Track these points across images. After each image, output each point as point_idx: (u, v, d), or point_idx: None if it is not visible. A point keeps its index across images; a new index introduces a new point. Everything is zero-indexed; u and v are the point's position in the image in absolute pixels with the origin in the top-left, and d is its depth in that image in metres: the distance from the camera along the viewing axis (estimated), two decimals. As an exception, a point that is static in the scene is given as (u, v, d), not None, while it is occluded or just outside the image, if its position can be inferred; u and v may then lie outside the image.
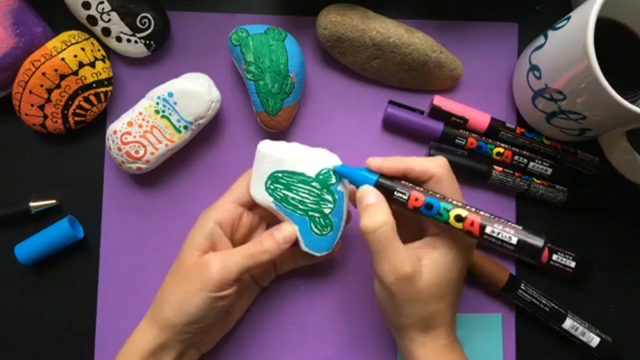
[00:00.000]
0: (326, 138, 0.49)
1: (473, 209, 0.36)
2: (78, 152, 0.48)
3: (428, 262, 0.37)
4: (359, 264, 0.48)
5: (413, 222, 0.41)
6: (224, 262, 0.39)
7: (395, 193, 0.38)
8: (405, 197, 0.37)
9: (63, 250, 0.47)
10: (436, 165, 0.38)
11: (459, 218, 0.36)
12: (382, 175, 0.39)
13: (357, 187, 0.39)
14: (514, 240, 0.34)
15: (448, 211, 0.36)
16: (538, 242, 0.34)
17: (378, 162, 0.39)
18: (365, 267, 0.48)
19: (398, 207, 0.38)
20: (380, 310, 0.41)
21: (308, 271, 0.47)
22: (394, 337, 0.41)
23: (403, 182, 0.38)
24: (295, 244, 0.42)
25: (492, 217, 0.36)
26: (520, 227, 0.35)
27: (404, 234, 0.37)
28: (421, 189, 0.38)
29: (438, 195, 0.37)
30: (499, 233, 0.35)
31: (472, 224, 0.35)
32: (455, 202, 0.36)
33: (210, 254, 0.40)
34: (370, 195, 0.38)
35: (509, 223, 0.35)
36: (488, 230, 0.35)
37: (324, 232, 0.41)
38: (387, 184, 0.38)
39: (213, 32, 0.49)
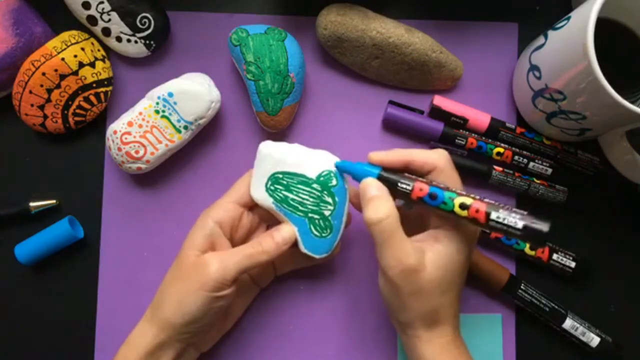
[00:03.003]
0: (326, 138, 0.49)
1: (477, 197, 0.36)
2: (78, 152, 0.48)
3: (431, 255, 0.37)
4: (359, 265, 0.48)
5: (415, 217, 0.41)
6: (222, 262, 0.39)
7: (399, 184, 0.38)
8: (409, 188, 0.37)
9: (63, 250, 0.47)
10: (438, 157, 0.39)
11: (463, 206, 0.36)
12: (384, 168, 0.39)
13: (360, 181, 0.39)
14: (520, 225, 0.34)
15: (452, 199, 0.36)
16: (544, 226, 0.33)
17: (380, 155, 0.39)
18: (365, 267, 0.48)
19: (402, 198, 0.38)
20: (385, 306, 0.41)
21: (308, 272, 0.47)
22: (399, 336, 0.41)
23: (406, 174, 0.39)
24: (295, 245, 0.42)
25: (497, 204, 0.35)
26: (525, 213, 0.34)
27: (406, 228, 0.37)
28: (424, 180, 0.38)
29: (442, 185, 0.37)
30: (504, 219, 0.34)
31: (477, 210, 0.35)
32: (458, 191, 0.37)
33: (209, 253, 0.40)
34: (372, 187, 0.38)
35: (514, 209, 0.35)
36: (493, 216, 0.35)
37: (323, 234, 0.41)
38: (390, 176, 0.38)
39: (213, 32, 0.49)
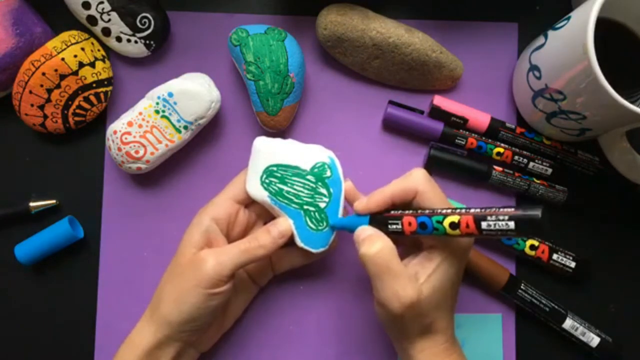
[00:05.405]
0: (326, 138, 0.48)
1: (463, 210, 0.35)
2: (78, 152, 0.48)
3: (427, 277, 0.37)
4: (358, 264, 0.48)
5: (409, 238, 0.41)
6: (218, 258, 0.39)
7: (389, 226, 0.38)
8: (400, 227, 0.38)
9: (63, 250, 0.47)
10: (416, 181, 0.38)
11: (453, 225, 0.35)
12: (372, 214, 0.39)
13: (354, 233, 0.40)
14: (512, 225, 0.33)
15: (441, 223, 0.36)
16: (535, 212, 0.32)
17: (363, 203, 0.40)
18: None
19: (397, 237, 0.38)
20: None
21: (308, 271, 0.47)
22: (393, 343, 0.41)
23: (392, 212, 0.39)
24: (292, 242, 0.42)
25: (483, 209, 0.35)
26: (512, 209, 0.33)
27: (402, 250, 0.37)
28: (410, 212, 0.38)
29: (427, 211, 0.37)
30: (495, 224, 0.34)
31: (467, 225, 0.35)
32: (444, 211, 0.36)
33: (205, 250, 0.40)
34: (365, 230, 0.38)
35: (501, 209, 0.34)
36: (484, 225, 0.34)
37: (319, 227, 0.41)
38: (378, 219, 0.39)
39: (213, 32, 0.49)
